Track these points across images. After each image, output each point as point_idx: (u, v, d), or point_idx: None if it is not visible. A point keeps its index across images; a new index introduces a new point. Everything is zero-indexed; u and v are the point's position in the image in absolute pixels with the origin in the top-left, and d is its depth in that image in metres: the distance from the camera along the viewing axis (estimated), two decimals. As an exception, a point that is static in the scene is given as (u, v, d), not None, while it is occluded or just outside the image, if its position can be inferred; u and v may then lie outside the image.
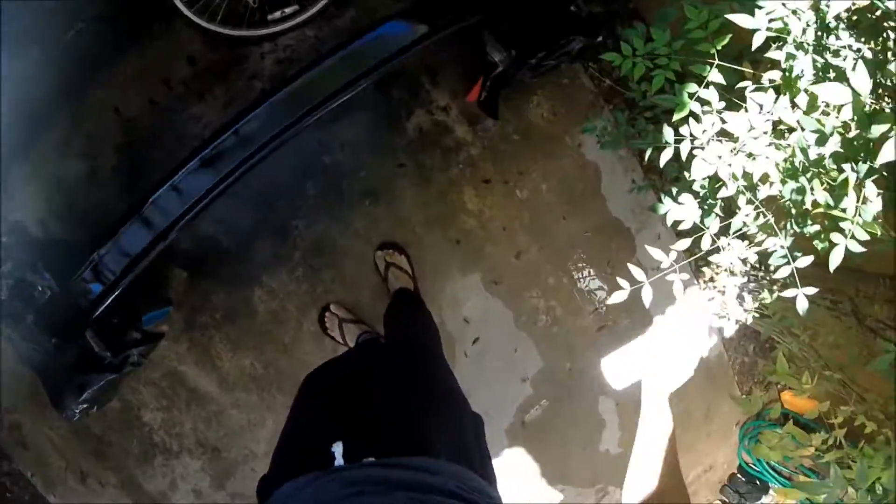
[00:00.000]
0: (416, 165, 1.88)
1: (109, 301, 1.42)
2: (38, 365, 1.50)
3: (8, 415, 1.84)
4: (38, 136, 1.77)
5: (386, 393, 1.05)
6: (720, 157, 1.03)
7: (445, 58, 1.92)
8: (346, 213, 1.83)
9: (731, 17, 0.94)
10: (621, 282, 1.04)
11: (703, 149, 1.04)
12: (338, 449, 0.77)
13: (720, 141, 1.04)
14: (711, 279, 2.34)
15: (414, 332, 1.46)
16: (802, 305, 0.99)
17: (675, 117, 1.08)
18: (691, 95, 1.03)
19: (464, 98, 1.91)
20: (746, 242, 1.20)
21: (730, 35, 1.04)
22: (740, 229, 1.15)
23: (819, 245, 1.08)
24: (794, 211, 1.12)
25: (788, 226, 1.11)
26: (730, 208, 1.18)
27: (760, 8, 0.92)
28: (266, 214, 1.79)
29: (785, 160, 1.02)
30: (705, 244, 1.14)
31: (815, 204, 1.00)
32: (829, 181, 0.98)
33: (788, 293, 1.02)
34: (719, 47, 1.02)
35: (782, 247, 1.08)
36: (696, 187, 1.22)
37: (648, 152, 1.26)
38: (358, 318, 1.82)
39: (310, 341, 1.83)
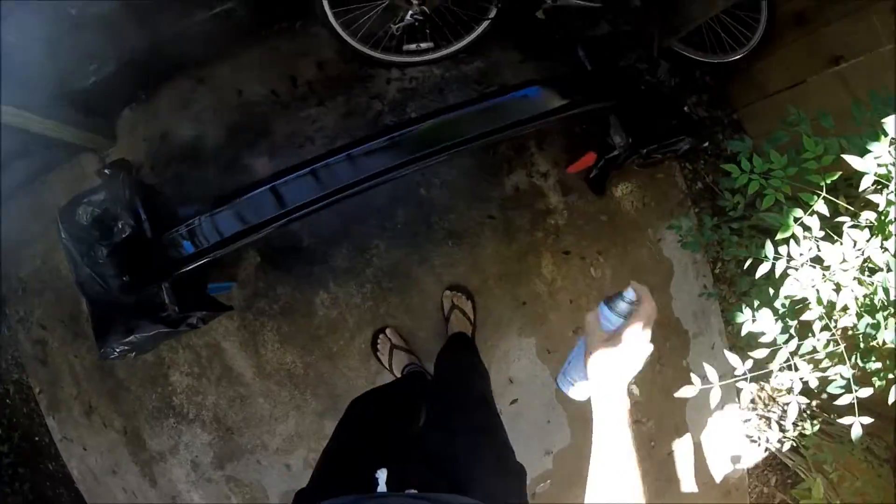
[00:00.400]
0: (505, 220, 1.84)
1: (198, 263, 1.40)
2: (94, 294, 1.45)
3: (39, 329, 1.83)
4: (164, 89, 1.79)
5: (434, 429, 1.03)
6: (812, 281, 1.04)
7: (555, 127, 1.91)
8: (427, 247, 1.80)
9: (846, 157, 0.96)
10: (694, 378, 1.07)
11: (796, 269, 1.07)
12: (381, 475, 0.76)
13: (813, 266, 1.06)
14: (753, 401, 2.23)
15: (467, 375, 1.38)
16: (857, 432, 1.01)
17: (779, 236, 1.08)
18: (796, 220, 1.05)
19: (564, 168, 1.87)
20: (812, 366, 1.18)
21: (839, 172, 1.04)
22: (809, 352, 1.14)
23: (877, 382, 1.10)
24: (862, 345, 1.12)
25: (854, 358, 1.11)
26: (803, 331, 1.16)
27: (869, 151, 0.94)
28: (352, 226, 1.76)
29: (866, 296, 1.04)
30: (779, 359, 1.14)
31: (884, 342, 1.02)
32: (902, 325, 1.02)
33: (845, 420, 1.05)
34: (829, 181, 1.03)
35: (844, 377, 1.09)
36: (777, 304, 1.20)
37: (723, 261, 1.26)
38: (410, 349, 1.77)
39: (356, 357, 1.78)
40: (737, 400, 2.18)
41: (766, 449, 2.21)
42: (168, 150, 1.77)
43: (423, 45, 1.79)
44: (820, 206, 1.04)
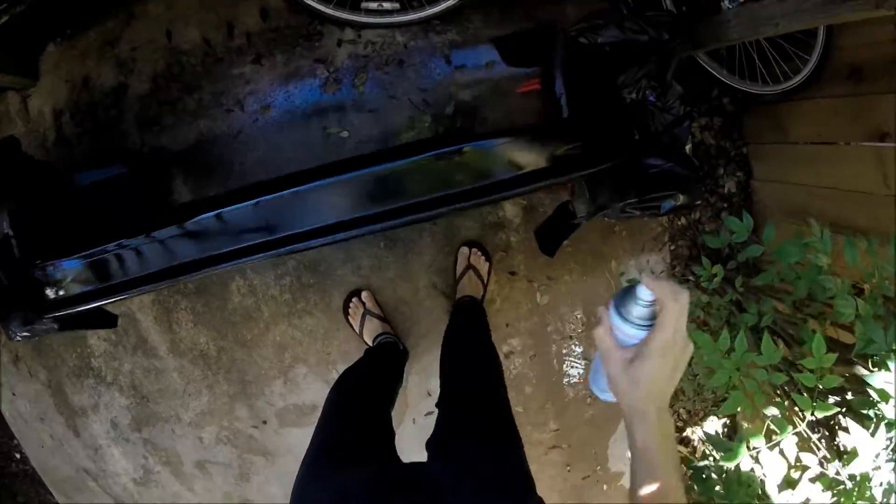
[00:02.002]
0: (448, 228, 1.40)
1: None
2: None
3: None
4: (93, 23, 1.31)
5: (441, 458, 0.79)
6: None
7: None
8: (355, 248, 1.37)
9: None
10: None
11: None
12: None
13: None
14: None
15: (483, 370, 1.04)
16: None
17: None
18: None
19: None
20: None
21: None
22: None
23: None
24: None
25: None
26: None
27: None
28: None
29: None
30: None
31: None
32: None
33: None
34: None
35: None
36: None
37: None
38: (383, 316, 1.41)
39: (269, 348, 1.44)
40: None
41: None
42: (89, 98, 1.32)
43: (387, 5, 1.25)
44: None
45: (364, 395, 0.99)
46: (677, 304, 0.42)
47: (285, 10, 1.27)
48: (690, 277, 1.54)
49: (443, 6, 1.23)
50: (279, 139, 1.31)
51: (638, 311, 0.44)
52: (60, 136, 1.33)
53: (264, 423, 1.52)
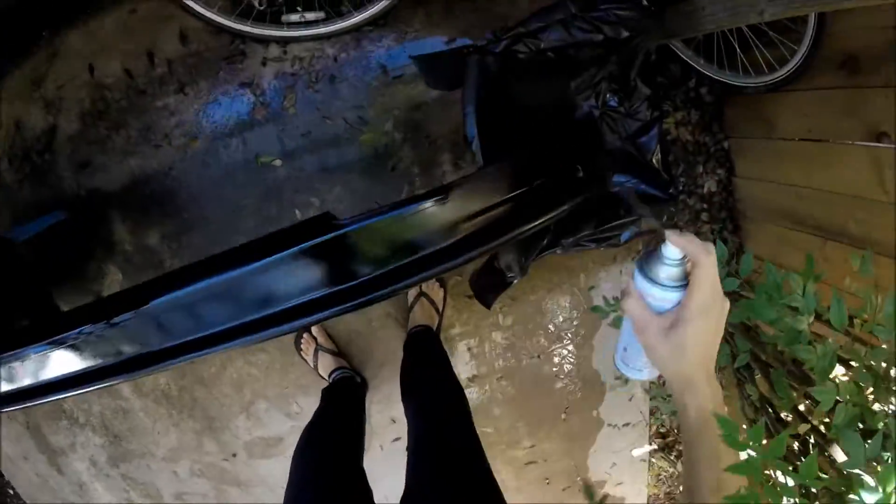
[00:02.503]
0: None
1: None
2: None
3: None
4: (20, 63, 1.20)
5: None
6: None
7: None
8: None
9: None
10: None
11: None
12: None
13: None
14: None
15: (448, 413, 0.93)
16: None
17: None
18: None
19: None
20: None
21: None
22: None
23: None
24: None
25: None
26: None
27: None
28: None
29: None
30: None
31: None
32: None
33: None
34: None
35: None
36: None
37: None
38: (337, 351, 1.30)
39: (228, 385, 1.34)
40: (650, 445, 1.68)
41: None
42: (22, 143, 1.22)
43: (310, 16, 1.08)
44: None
45: (332, 455, 0.88)
46: (710, 257, 0.37)
47: (205, 32, 1.13)
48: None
49: (372, 11, 1.06)
50: (211, 173, 1.18)
51: (668, 271, 0.39)
52: (1, 184, 1.24)
53: (234, 455, 1.44)
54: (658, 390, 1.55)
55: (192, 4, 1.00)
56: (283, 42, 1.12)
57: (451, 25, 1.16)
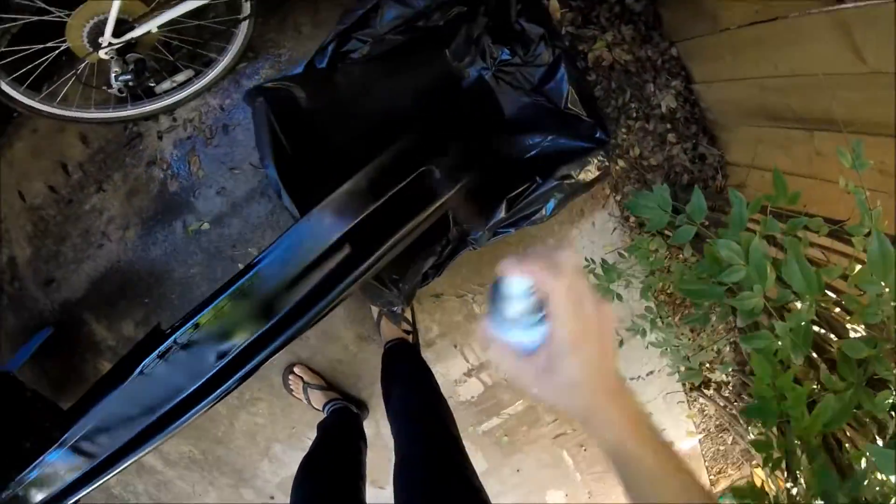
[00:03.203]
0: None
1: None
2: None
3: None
4: None
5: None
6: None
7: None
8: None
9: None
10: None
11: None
12: None
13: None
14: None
15: (436, 426, 0.92)
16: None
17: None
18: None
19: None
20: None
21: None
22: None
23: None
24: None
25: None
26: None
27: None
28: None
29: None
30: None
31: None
32: None
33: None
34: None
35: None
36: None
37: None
38: (325, 384, 1.33)
39: (243, 438, 1.42)
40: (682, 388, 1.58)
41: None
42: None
43: (180, 78, 1.07)
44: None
45: (327, 488, 0.90)
46: (560, 278, 0.32)
47: (99, 128, 1.15)
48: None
49: (235, 48, 1.03)
50: (154, 254, 1.22)
51: (518, 308, 0.33)
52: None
53: (272, 497, 1.53)
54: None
55: (70, 114, 1.02)
56: (169, 111, 1.12)
57: (325, 32, 1.09)
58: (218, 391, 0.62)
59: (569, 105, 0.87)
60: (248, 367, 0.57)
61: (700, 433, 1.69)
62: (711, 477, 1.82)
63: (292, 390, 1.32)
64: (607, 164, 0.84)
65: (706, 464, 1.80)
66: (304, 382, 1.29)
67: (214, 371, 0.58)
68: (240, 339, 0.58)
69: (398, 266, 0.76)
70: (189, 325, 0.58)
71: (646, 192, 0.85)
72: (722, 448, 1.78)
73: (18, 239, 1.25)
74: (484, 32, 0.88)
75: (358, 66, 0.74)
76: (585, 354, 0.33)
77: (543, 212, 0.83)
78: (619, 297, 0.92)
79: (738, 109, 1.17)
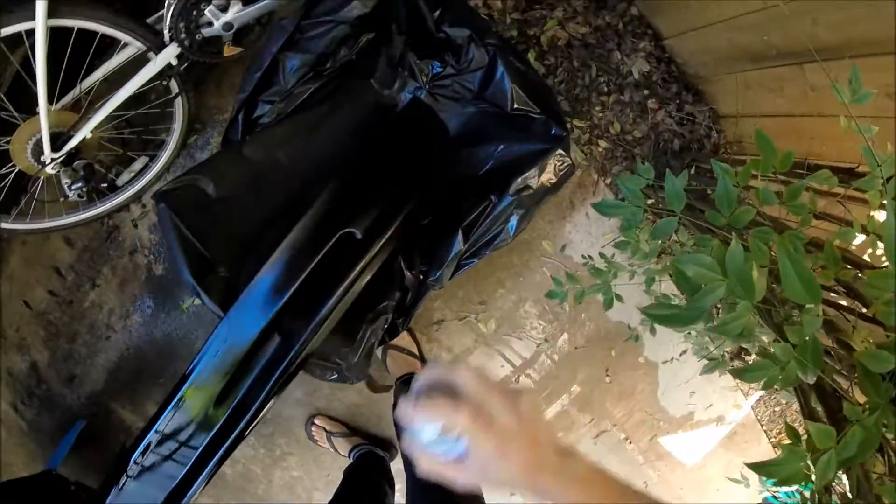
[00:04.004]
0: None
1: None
2: None
3: None
4: None
5: None
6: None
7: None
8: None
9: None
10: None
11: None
12: None
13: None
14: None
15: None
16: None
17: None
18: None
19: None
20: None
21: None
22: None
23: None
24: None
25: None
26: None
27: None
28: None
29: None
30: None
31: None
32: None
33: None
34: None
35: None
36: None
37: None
38: (348, 430, 1.33)
39: (283, 492, 1.44)
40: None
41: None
42: (21, 385, 1.40)
43: (137, 166, 1.08)
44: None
45: None
46: (460, 409, 0.33)
47: (78, 228, 1.18)
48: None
49: (178, 125, 1.02)
50: (158, 336, 1.26)
51: (435, 439, 0.33)
52: (26, 422, 1.45)
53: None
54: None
55: (45, 226, 1.05)
56: (136, 198, 1.13)
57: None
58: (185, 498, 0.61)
59: (516, 105, 0.80)
60: (203, 474, 0.56)
61: (752, 397, 1.59)
62: (772, 440, 1.72)
63: (317, 441, 1.33)
64: (569, 161, 0.77)
65: (764, 428, 1.70)
66: (326, 432, 1.29)
67: (173, 487, 0.57)
68: (189, 454, 0.57)
69: (345, 336, 0.73)
70: (140, 447, 0.58)
71: (630, 176, 0.79)
72: (777, 409, 1.68)
73: (35, 344, 1.32)
74: (406, 51, 0.82)
75: (271, 130, 0.71)
76: (510, 460, 0.34)
77: (507, 232, 0.77)
78: (619, 298, 0.86)
79: (716, 57, 1.06)
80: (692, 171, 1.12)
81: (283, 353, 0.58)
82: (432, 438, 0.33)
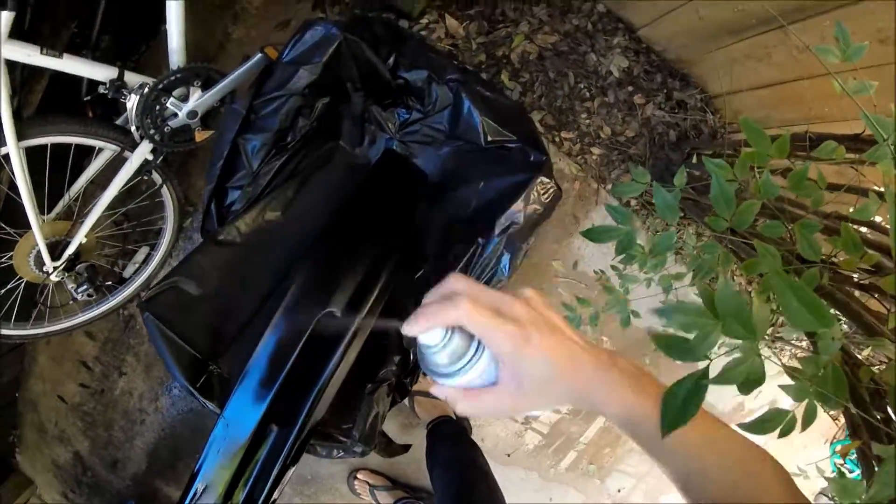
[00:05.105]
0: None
1: None
2: None
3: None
4: (27, 422, 1.46)
5: None
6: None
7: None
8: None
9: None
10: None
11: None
12: None
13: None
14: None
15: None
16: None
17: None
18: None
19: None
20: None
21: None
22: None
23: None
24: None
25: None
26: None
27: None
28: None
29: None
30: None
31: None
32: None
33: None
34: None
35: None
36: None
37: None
38: (390, 483, 1.32)
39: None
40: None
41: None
42: (69, 475, 1.46)
43: (140, 257, 1.11)
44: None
45: None
46: (459, 306, 0.29)
47: (96, 322, 1.23)
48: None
49: (169, 215, 1.04)
50: (188, 414, 1.28)
51: (448, 353, 0.30)
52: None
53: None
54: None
55: (63, 326, 1.09)
56: (146, 286, 1.16)
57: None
58: None
59: (490, 138, 0.77)
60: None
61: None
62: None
63: (360, 495, 1.31)
64: (552, 186, 0.74)
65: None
66: (370, 486, 1.28)
67: None
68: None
69: (344, 412, 0.71)
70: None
71: (626, 184, 0.74)
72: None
73: (75, 435, 1.37)
74: (368, 105, 0.82)
75: (243, 216, 0.71)
76: (536, 346, 0.29)
77: (501, 273, 0.74)
78: (637, 314, 0.81)
79: (695, 37, 1.01)
80: (693, 160, 1.07)
81: (282, 443, 0.57)
82: (448, 352, 0.29)
